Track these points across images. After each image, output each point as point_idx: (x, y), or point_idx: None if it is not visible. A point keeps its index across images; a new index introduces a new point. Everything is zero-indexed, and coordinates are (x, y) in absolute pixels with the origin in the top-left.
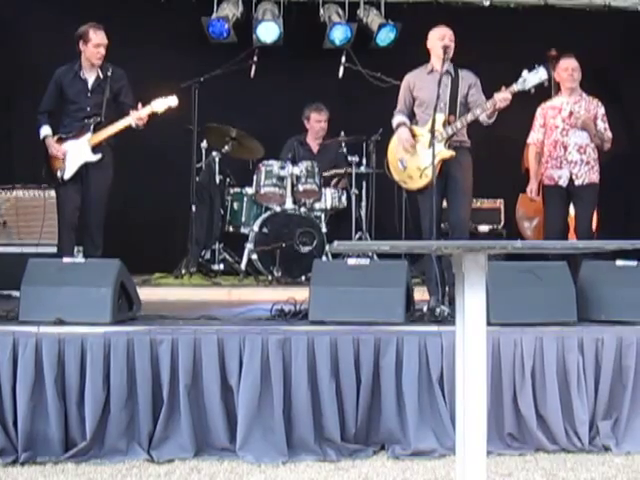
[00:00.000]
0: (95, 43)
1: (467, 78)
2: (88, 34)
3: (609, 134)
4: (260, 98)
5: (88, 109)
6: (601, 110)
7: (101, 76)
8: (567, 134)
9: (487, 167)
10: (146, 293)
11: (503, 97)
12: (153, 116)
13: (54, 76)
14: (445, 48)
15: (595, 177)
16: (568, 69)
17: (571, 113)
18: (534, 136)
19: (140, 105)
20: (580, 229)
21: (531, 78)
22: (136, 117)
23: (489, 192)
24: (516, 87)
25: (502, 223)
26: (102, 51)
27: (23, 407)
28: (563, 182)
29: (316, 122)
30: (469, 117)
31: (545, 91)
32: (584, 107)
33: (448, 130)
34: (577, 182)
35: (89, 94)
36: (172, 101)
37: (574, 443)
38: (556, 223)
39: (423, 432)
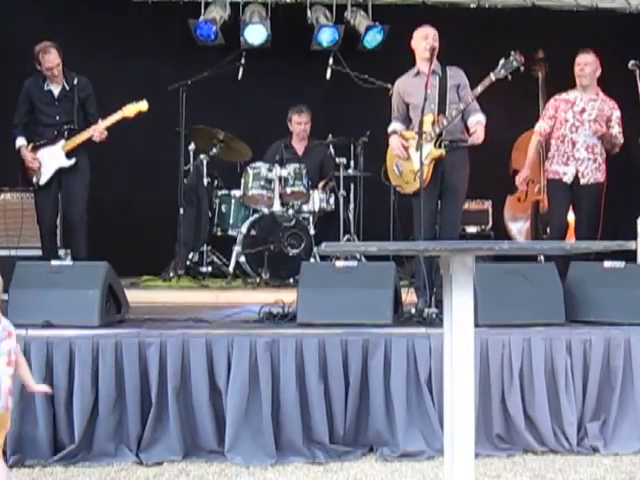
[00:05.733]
0: (46, 67)
1: (455, 76)
2: (38, 58)
3: (621, 140)
4: (248, 100)
5: (57, 117)
6: (616, 113)
7: (67, 87)
8: (577, 130)
9: (475, 169)
10: (134, 296)
11: (487, 85)
12: (123, 120)
13: (23, 88)
14: (432, 50)
15: (600, 176)
16: (580, 64)
17: (583, 109)
18: (542, 125)
19: (100, 120)
20: (584, 230)
21: (507, 65)
22: (97, 130)
23: (477, 193)
24: (493, 76)
25: (490, 224)
26: (55, 72)
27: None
28: (568, 179)
29: (297, 124)
30: (454, 113)
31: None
32: (597, 107)
33: (435, 129)
34: (582, 181)
35: (56, 103)
36: (142, 106)
37: (562, 444)
38: (560, 218)
39: (411, 434)
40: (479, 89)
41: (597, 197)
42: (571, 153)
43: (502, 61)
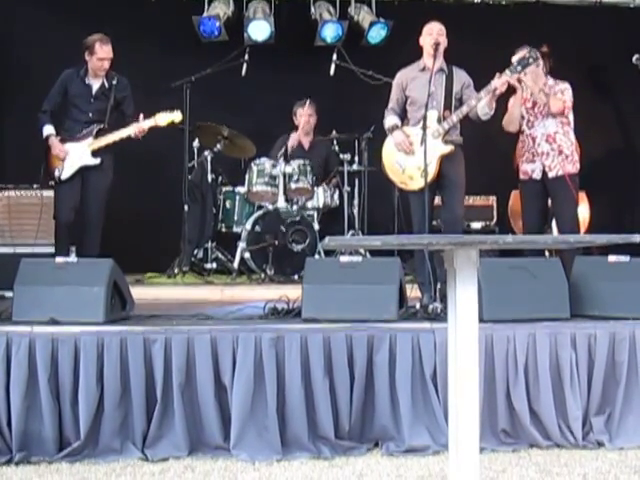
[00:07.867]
0: (99, 57)
1: (461, 77)
2: (94, 47)
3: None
4: (252, 96)
5: (90, 114)
6: (550, 82)
7: (106, 85)
8: (533, 125)
9: (479, 164)
10: (139, 292)
11: (504, 81)
12: (155, 128)
13: (61, 77)
14: (436, 45)
15: (571, 167)
16: None
17: (534, 104)
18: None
19: (142, 116)
20: (561, 225)
21: (522, 62)
22: (138, 129)
23: (481, 189)
24: (509, 72)
25: (495, 220)
26: (106, 65)
27: (17, 407)
28: (537, 175)
29: (301, 116)
30: (464, 109)
31: None
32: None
33: (444, 125)
34: (550, 174)
35: (92, 100)
36: (176, 116)
37: (567, 439)
38: (532, 217)
39: (417, 429)
40: (494, 84)
41: (569, 188)
42: (534, 149)
43: (514, 58)
